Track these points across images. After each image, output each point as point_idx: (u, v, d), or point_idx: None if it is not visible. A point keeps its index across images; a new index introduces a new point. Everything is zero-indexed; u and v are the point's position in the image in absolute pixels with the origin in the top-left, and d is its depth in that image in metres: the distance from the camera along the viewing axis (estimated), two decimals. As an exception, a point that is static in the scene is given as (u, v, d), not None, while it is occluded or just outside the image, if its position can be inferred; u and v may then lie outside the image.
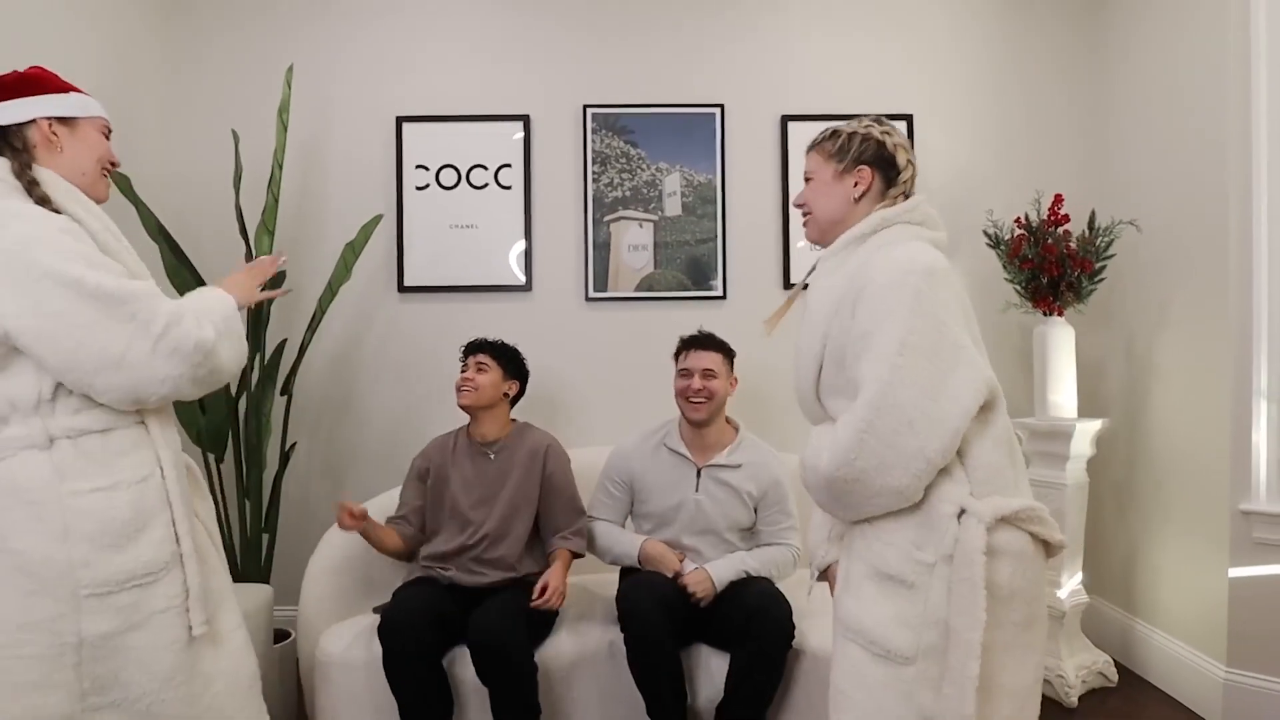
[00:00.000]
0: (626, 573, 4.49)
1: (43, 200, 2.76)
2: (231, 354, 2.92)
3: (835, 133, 2.97)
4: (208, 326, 2.82)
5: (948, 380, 2.55)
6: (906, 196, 2.91)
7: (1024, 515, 2.58)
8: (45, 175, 2.83)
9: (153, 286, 2.80)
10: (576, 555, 4.55)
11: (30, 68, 3.01)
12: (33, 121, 2.90)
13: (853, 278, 2.71)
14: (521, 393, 4.83)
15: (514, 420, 4.80)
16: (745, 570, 4.32)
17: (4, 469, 2.68)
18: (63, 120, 2.95)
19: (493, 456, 4.63)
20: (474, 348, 4.73)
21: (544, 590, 4.27)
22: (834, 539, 2.98)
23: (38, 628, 2.62)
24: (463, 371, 4.68)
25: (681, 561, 4.35)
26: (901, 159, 2.91)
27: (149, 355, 2.68)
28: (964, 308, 2.71)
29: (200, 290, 3.05)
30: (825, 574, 3.03)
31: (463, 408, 4.64)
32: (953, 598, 2.52)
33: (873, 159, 2.90)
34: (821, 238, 3.00)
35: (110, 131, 3.07)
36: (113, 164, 3.06)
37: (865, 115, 3.02)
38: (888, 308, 2.57)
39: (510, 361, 4.76)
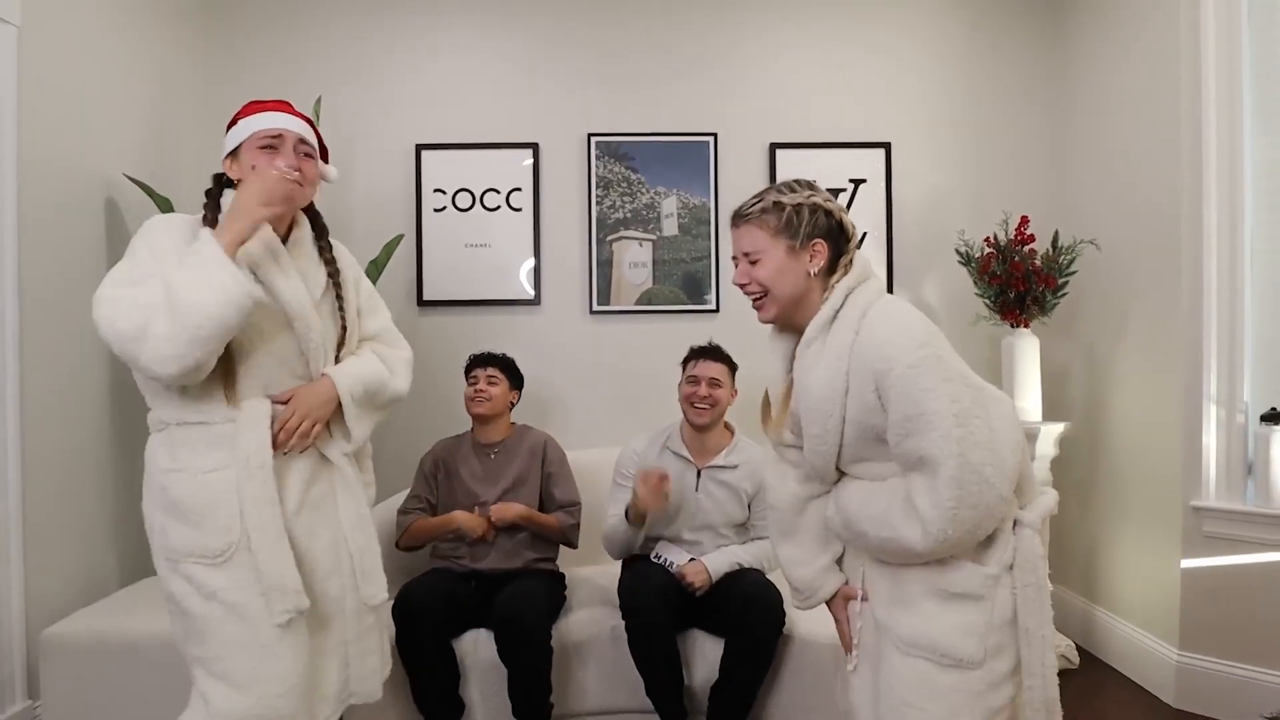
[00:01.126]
0: (628, 564, 4.50)
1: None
2: (199, 297, 2.63)
3: (778, 205, 2.74)
4: (135, 309, 2.68)
5: (993, 424, 2.52)
6: (851, 264, 2.76)
7: (1055, 506, 2.69)
8: (226, 203, 2.95)
9: (123, 283, 2.76)
10: (562, 533, 4.65)
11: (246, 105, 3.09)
12: (222, 173, 3.06)
13: (850, 359, 2.62)
14: (519, 399, 4.93)
15: (513, 424, 4.90)
16: (738, 562, 4.34)
17: (149, 443, 2.98)
18: (232, 154, 3.03)
19: (494, 456, 4.72)
20: (483, 361, 4.81)
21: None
22: (829, 569, 2.97)
23: (161, 570, 2.91)
24: (472, 384, 4.76)
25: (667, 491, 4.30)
26: (849, 225, 2.80)
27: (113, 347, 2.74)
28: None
29: (194, 246, 2.79)
30: (830, 601, 2.98)
31: (478, 417, 4.73)
32: (1020, 601, 2.55)
33: (825, 232, 2.74)
34: (779, 317, 2.82)
35: (277, 135, 2.98)
36: (289, 170, 2.94)
37: (792, 182, 2.82)
38: (923, 387, 2.47)
39: (514, 373, 4.87)
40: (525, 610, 4.08)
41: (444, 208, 5.83)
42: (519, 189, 5.85)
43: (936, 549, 2.50)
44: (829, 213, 2.75)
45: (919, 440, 2.47)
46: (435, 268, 5.83)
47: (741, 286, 2.84)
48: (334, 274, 3.15)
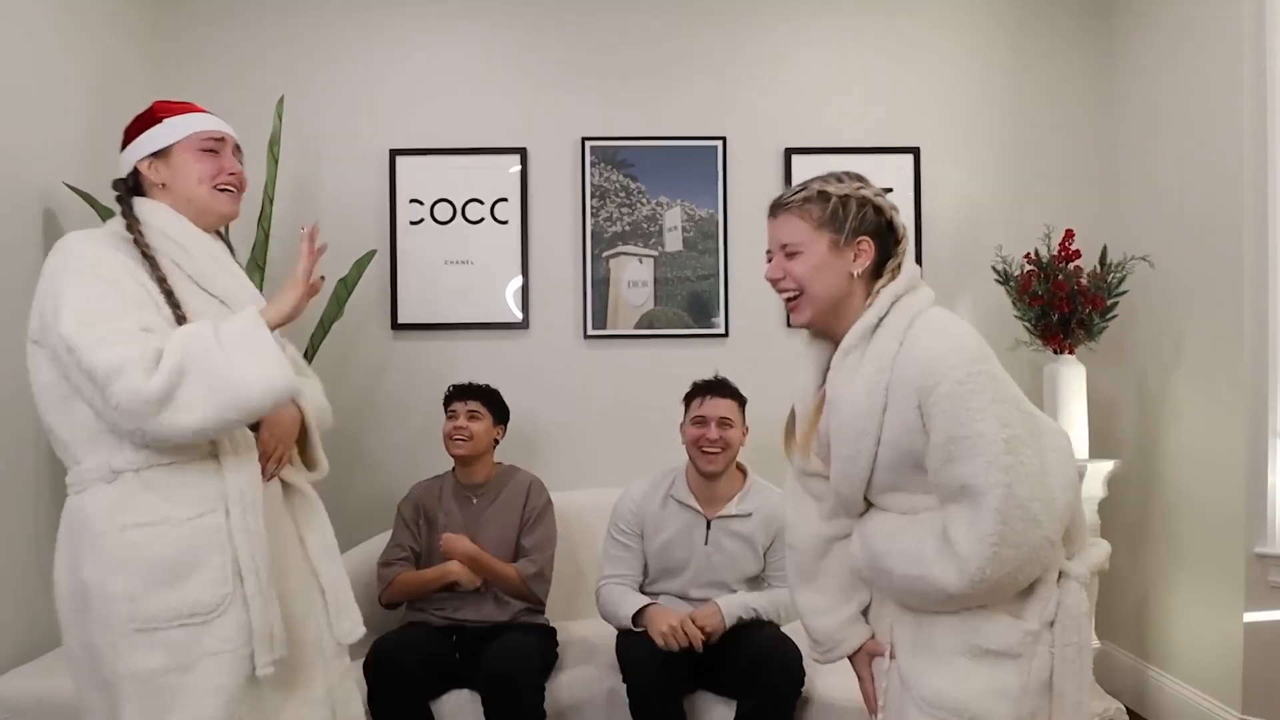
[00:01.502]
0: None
1: (145, 249, 2.83)
2: (246, 377, 2.66)
3: (823, 194, 2.69)
4: (163, 371, 2.59)
5: (1045, 457, 2.49)
6: (899, 268, 2.72)
7: (1106, 560, 2.63)
8: (146, 211, 2.91)
9: (117, 329, 2.64)
10: (522, 585, 4.56)
11: (152, 104, 3.08)
12: (134, 170, 2.99)
13: (892, 371, 2.57)
14: (503, 434, 4.90)
15: (499, 463, 4.91)
16: (754, 609, 4.31)
17: (78, 502, 2.79)
18: (156, 155, 2.97)
19: (475, 501, 4.70)
20: (463, 393, 4.80)
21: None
22: (854, 621, 2.93)
23: (91, 650, 2.73)
24: (451, 419, 4.75)
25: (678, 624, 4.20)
26: (899, 225, 2.75)
27: (105, 407, 2.64)
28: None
29: (238, 315, 2.81)
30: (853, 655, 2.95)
31: (457, 458, 4.71)
32: (1058, 662, 2.50)
33: (873, 230, 2.68)
34: (816, 320, 2.76)
35: (220, 139, 3.02)
36: (226, 175, 3.01)
37: (840, 173, 2.76)
38: (971, 407, 2.43)
39: (498, 407, 4.87)
40: (516, 668, 4.09)
41: (421, 220, 5.85)
42: (505, 199, 5.87)
43: (971, 592, 2.45)
44: (879, 209, 2.71)
45: (963, 466, 2.43)
46: (411, 287, 5.84)
47: (774, 283, 2.80)
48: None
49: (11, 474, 4.47)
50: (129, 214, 2.92)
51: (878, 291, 2.67)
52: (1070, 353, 5.28)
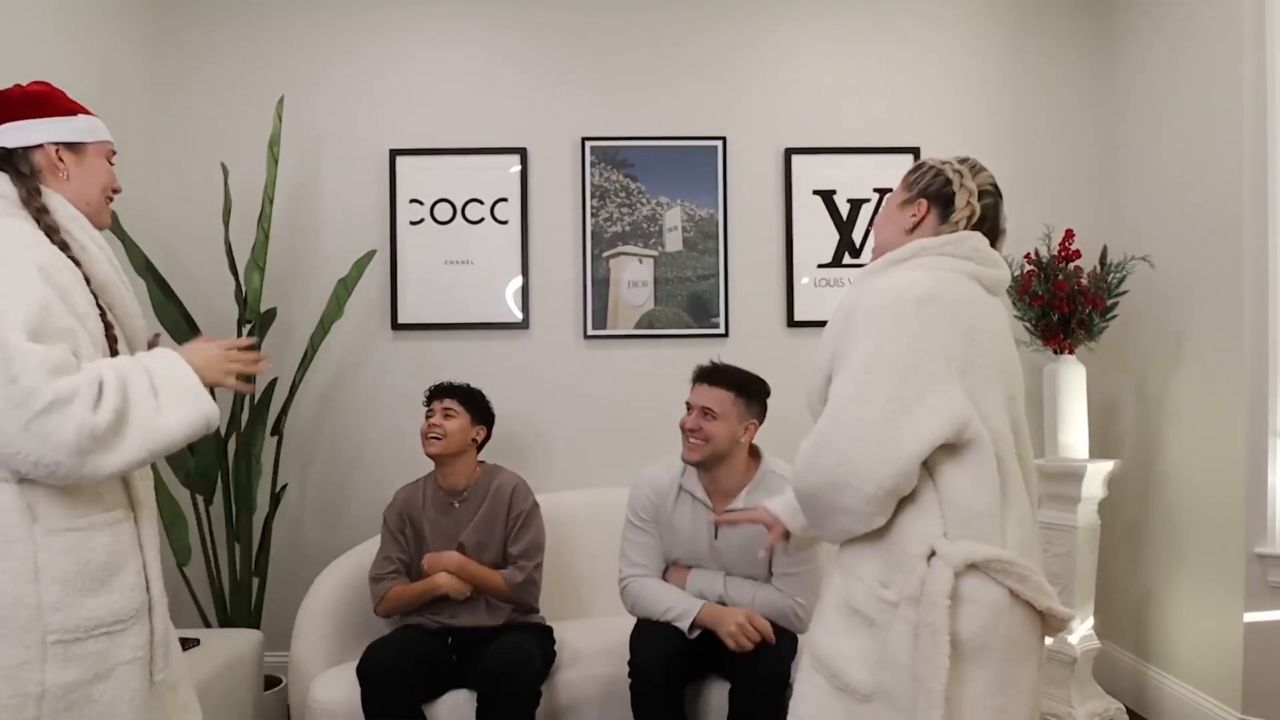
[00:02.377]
0: (641, 625, 4.39)
1: (51, 229, 2.72)
2: (173, 422, 2.65)
3: (920, 165, 3.02)
4: (106, 409, 2.51)
5: (913, 408, 2.54)
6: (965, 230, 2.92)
7: (994, 565, 2.54)
8: (55, 202, 2.79)
9: (64, 354, 2.49)
10: (511, 593, 4.49)
11: (35, 83, 2.97)
12: (40, 146, 2.85)
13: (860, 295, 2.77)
14: (488, 437, 4.82)
15: (482, 463, 4.81)
16: (794, 609, 4.26)
17: None
18: (70, 146, 2.90)
19: (457, 505, 4.63)
20: (439, 392, 4.75)
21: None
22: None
23: (1, 674, 2.49)
24: (428, 417, 4.68)
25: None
26: (960, 198, 2.90)
27: (19, 431, 2.41)
28: (970, 343, 2.67)
29: (157, 353, 2.81)
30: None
31: (432, 457, 4.63)
32: (918, 643, 2.51)
33: (934, 194, 2.92)
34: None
35: (115, 154, 3.05)
36: (115, 190, 3.02)
37: (966, 156, 3.05)
38: (866, 330, 2.62)
39: (477, 406, 4.76)
40: (517, 668, 4.09)
41: (421, 220, 5.85)
42: (505, 199, 5.88)
43: (800, 486, 2.67)
44: (946, 179, 2.94)
45: (834, 381, 2.67)
46: (411, 287, 5.84)
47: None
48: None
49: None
50: (36, 196, 2.77)
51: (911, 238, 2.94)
52: (1070, 353, 5.28)
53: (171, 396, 2.67)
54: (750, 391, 4.36)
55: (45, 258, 2.62)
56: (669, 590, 4.34)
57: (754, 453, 4.46)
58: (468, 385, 4.81)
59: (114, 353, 2.78)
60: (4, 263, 2.53)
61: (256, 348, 3.10)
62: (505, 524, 4.59)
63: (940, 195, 2.92)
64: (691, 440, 4.28)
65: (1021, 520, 2.69)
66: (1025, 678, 2.62)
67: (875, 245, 3.04)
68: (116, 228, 4.79)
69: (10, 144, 2.82)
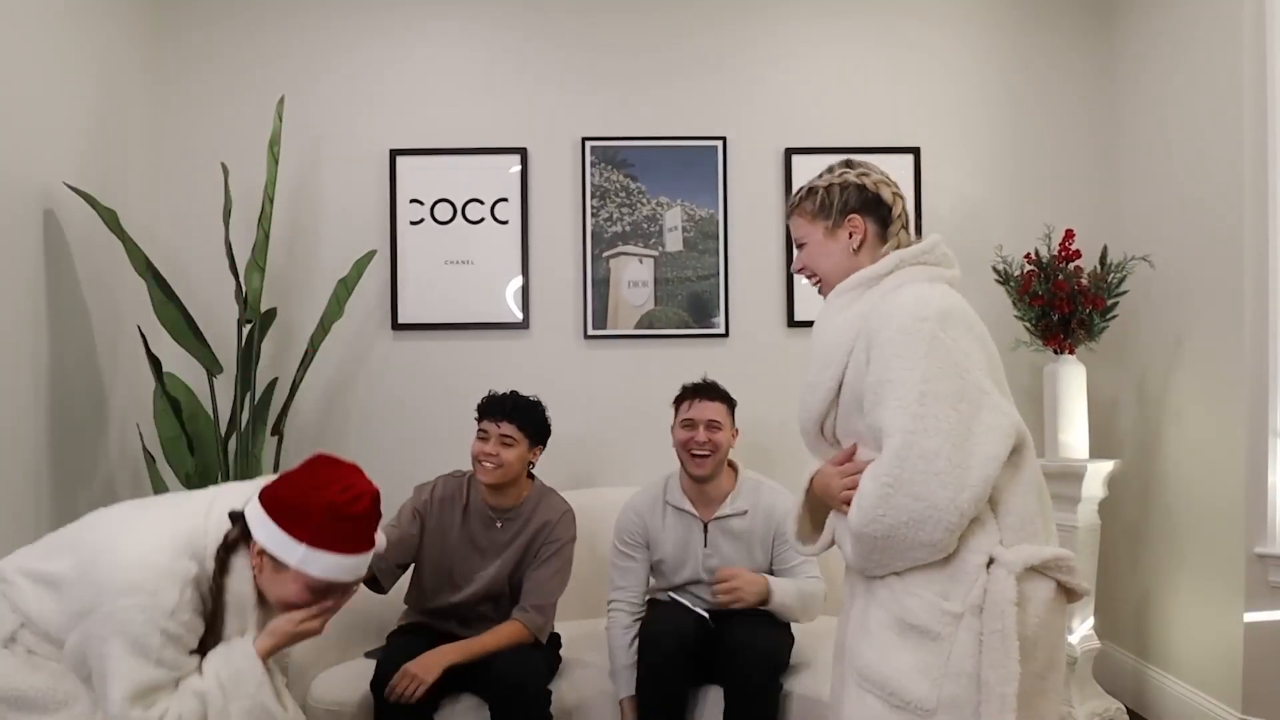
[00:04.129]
0: (654, 604, 4.49)
1: (217, 589, 2.95)
2: None
3: (811, 190, 2.95)
4: None
5: (972, 427, 2.54)
6: (906, 230, 2.91)
7: (1054, 564, 2.59)
8: (235, 572, 3.00)
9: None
10: (531, 636, 4.25)
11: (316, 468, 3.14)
12: (254, 539, 2.99)
13: (866, 318, 2.71)
14: (540, 455, 4.54)
15: (532, 477, 4.57)
16: (787, 607, 4.28)
17: None
18: (273, 557, 2.95)
19: (500, 525, 4.42)
20: (496, 412, 4.35)
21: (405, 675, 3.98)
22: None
23: None
24: (481, 440, 4.33)
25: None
26: (886, 194, 2.90)
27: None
28: (987, 351, 2.72)
29: (227, 654, 2.96)
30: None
31: (484, 485, 4.36)
32: (984, 650, 2.52)
33: (859, 205, 2.89)
34: None
35: (327, 587, 3.01)
36: (304, 607, 3.02)
37: (836, 163, 3.00)
38: (902, 355, 2.56)
39: (536, 427, 4.43)
40: (528, 675, 4.03)
41: (421, 220, 5.85)
42: (505, 199, 5.88)
43: (870, 530, 2.56)
44: (860, 187, 2.90)
45: (881, 410, 2.58)
46: (411, 287, 5.85)
47: (798, 273, 3.06)
48: None
49: (10, 476, 4.46)
50: (223, 568, 2.99)
51: (885, 252, 2.87)
52: (1070, 353, 5.28)
53: (242, 700, 2.87)
54: (732, 402, 4.52)
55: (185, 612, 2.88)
56: (625, 654, 4.33)
57: (730, 464, 4.54)
58: (528, 402, 4.47)
59: None
60: (123, 627, 2.79)
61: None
62: (541, 545, 4.38)
63: (866, 203, 2.90)
64: (699, 455, 4.33)
65: (1050, 509, 2.77)
66: (1062, 657, 2.71)
67: (823, 279, 2.97)
68: (116, 227, 4.78)
69: (249, 517, 3.01)
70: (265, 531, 2.93)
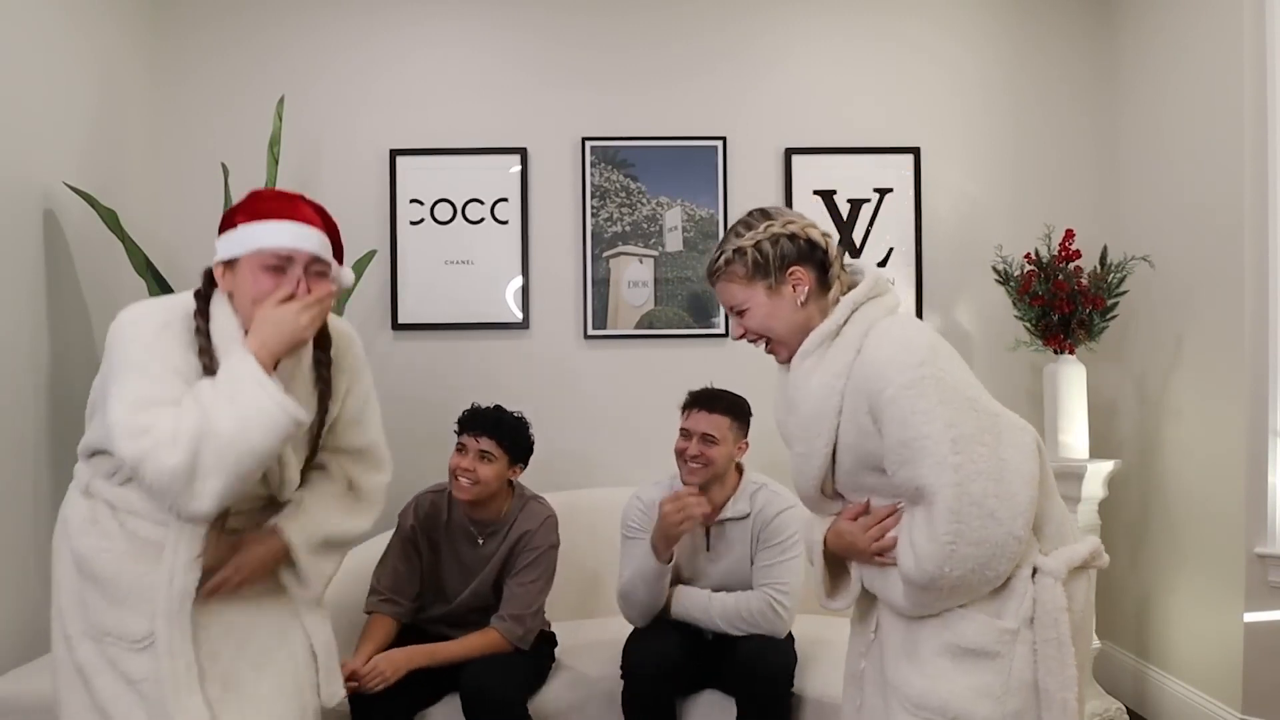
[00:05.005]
0: (635, 633, 4.37)
1: (205, 348, 2.84)
2: (246, 434, 2.64)
3: (739, 251, 2.82)
4: (179, 449, 2.60)
5: (1002, 454, 2.55)
6: (842, 267, 2.87)
7: (1091, 559, 2.67)
8: (216, 313, 2.91)
9: (162, 420, 2.66)
10: (510, 645, 4.16)
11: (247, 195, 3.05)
12: (212, 266, 2.96)
13: (849, 379, 2.69)
14: (522, 471, 4.44)
15: (513, 486, 4.45)
16: (709, 614, 4.25)
17: (63, 505, 3.04)
18: (227, 262, 2.90)
19: (481, 542, 4.34)
20: (475, 426, 4.25)
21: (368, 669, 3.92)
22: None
23: (58, 636, 2.92)
24: (459, 453, 4.24)
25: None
26: (818, 237, 2.85)
27: (146, 488, 2.72)
28: (960, 361, 2.73)
29: (224, 365, 2.78)
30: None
31: (460, 501, 4.28)
32: (1040, 659, 2.56)
33: (796, 256, 2.81)
34: (795, 355, 2.86)
35: (287, 257, 2.87)
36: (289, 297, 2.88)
37: (747, 218, 2.91)
38: (918, 409, 2.53)
39: (517, 445, 4.32)
40: (494, 683, 3.96)
41: (421, 220, 5.86)
42: (505, 199, 5.88)
43: (933, 586, 2.55)
44: (791, 236, 2.83)
45: (915, 469, 2.55)
46: (411, 288, 5.85)
47: (745, 340, 2.94)
48: (324, 394, 3.14)
49: (10, 477, 4.47)
50: (204, 312, 2.91)
51: (835, 300, 2.80)
52: (1070, 353, 5.28)
53: (232, 400, 2.67)
54: (742, 414, 4.38)
55: (167, 361, 2.87)
56: (630, 566, 4.29)
57: (737, 467, 4.46)
58: (510, 417, 4.35)
59: None
60: (120, 358, 2.82)
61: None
62: (515, 556, 4.29)
63: (803, 253, 2.83)
64: (692, 465, 4.25)
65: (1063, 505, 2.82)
66: (1090, 625, 2.82)
67: (779, 342, 2.87)
68: (116, 227, 4.78)
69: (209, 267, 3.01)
70: (217, 248, 2.93)
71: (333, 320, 3.18)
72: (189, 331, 2.87)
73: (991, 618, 2.59)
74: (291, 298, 2.81)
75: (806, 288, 2.80)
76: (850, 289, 2.81)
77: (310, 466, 3.20)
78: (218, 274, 2.93)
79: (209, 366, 2.82)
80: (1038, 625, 2.57)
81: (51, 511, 4.67)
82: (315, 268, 2.91)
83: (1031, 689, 2.57)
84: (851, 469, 2.76)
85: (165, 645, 2.79)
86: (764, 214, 2.89)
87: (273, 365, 2.74)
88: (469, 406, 4.39)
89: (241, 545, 3.00)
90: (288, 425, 2.68)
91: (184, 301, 2.95)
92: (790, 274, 2.80)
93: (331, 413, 3.18)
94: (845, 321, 2.74)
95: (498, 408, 4.35)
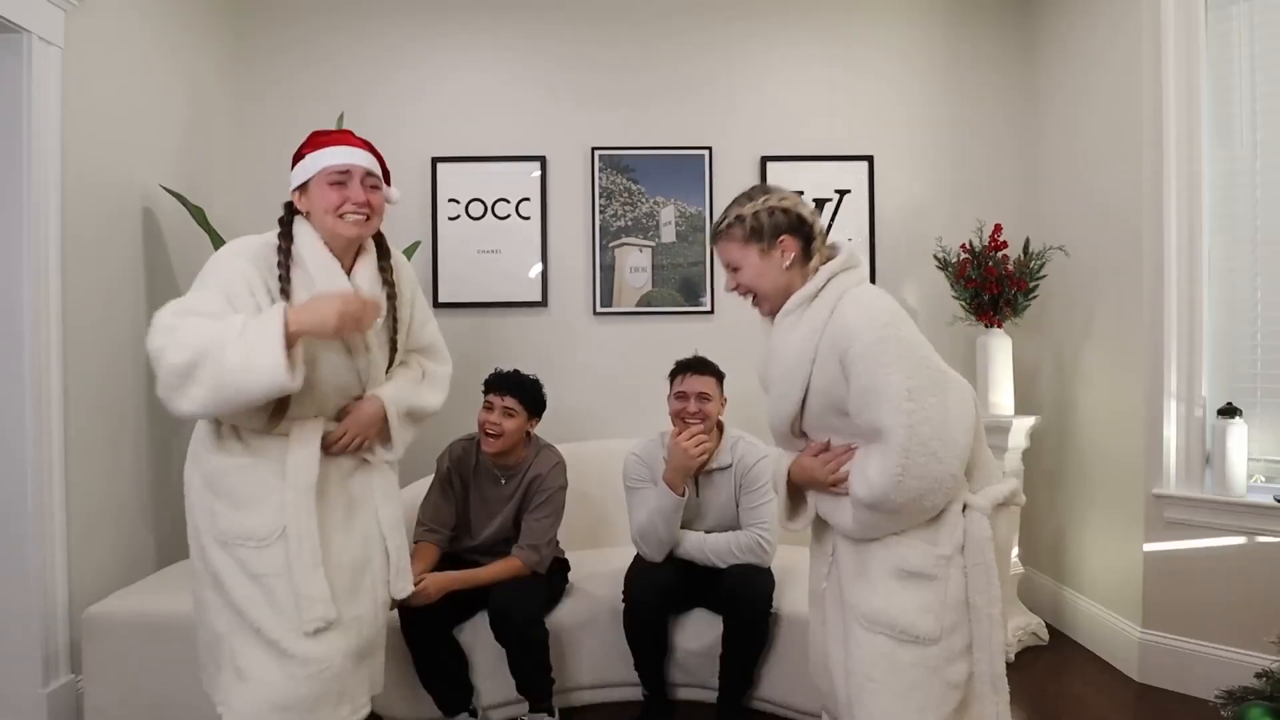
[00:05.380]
0: (637, 560, 4.39)
1: (282, 266, 2.93)
2: (244, 372, 2.65)
3: (739, 218, 2.87)
4: (184, 352, 2.65)
5: (948, 405, 2.60)
6: (823, 242, 2.89)
7: (1011, 498, 2.73)
8: (299, 233, 3.01)
9: (205, 318, 2.73)
10: (528, 570, 4.18)
11: (310, 135, 3.11)
12: (290, 200, 3.07)
13: (823, 334, 2.72)
14: (537, 424, 4.45)
15: (530, 436, 4.45)
16: (704, 553, 4.25)
17: (198, 427, 3.06)
18: (300, 187, 3.03)
19: (504, 481, 4.36)
20: (501, 387, 4.29)
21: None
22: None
23: (196, 551, 2.99)
24: (486, 410, 4.27)
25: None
26: (807, 215, 2.88)
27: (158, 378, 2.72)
28: (914, 327, 2.75)
29: (265, 313, 2.78)
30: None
31: (487, 451, 4.28)
32: (970, 580, 2.62)
33: (787, 227, 2.84)
34: (775, 310, 2.91)
35: (344, 171, 3.01)
36: (353, 204, 3.00)
37: (751, 189, 2.96)
38: (881, 362, 2.57)
39: (534, 402, 4.34)
40: (515, 604, 4.01)
41: (458, 216, 5.83)
42: (528, 199, 5.85)
43: (884, 507, 2.61)
44: (785, 210, 2.86)
45: (874, 412, 2.60)
46: (450, 272, 5.83)
47: (735, 293, 2.97)
48: (392, 297, 3.18)
49: (115, 437, 4.47)
50: (287, 235, 3.00)
51: (815, 269, 2.82)
52: (999, 327, 5.26)
53: (248, 343, 2.68)
54: (721, 376, 4.41)
55: (231, 267, 2.99)
56: (643, 509, 4.27)
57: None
58: (527, 379, 4.36)
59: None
60: (204, 272, 2.95)
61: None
62: (531, 495, 4.32)
63: (793, 226, 2.86)
64: (692, 422, 4.24)
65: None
66: (1009, 551, 2.87)
67: (764, 297, 2.91)
68: (204, 222, 4.76)
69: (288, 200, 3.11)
70: (292, 180, 3.07)
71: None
72: (264, 259, 2.93)
73: (929, 545, 2.64)
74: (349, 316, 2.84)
75: (793, 255, 2.84)
76: (828, 261, 2.84)
77: (392, 365, 3.26)
78: (296, 200, 3.04)
79: (284, 289, 2.90)
80: (968, 552, 2.62)
81: (149, 464, 4.72)
82: (369, 181, 3.06)
83: (964, 606, 2.62)
84: (819, 412, 2.79)
85: (294, 531, 2.86)
86: (765, 190, 2.93)
87: (296, 339, 2.74)
88: (493, 370, 4.40)
89: (350, 410, 3.09)
90: (278, 383, 2.68)
91: (270, 235, 3.02)
92: (780, 242, 2.83)
93: (403, 317, 3.25)
94: (822, 287, 2.78)
95: (516, 371, 4.37)
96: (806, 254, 2.86)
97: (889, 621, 2.64)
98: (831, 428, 2.81)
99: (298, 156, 3.05)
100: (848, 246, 2.86)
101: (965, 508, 2.66)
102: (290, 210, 3.05)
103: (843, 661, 2.82)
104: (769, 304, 2.92)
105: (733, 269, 2.93)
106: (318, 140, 3.04)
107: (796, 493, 3.05)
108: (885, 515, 2.64)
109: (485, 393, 4.31)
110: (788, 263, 2.84)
